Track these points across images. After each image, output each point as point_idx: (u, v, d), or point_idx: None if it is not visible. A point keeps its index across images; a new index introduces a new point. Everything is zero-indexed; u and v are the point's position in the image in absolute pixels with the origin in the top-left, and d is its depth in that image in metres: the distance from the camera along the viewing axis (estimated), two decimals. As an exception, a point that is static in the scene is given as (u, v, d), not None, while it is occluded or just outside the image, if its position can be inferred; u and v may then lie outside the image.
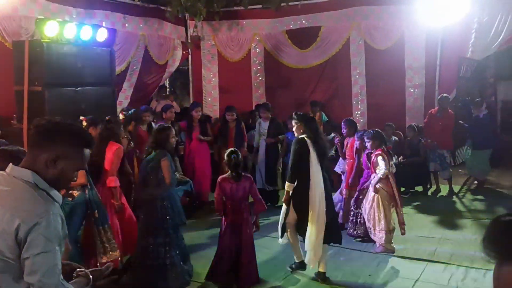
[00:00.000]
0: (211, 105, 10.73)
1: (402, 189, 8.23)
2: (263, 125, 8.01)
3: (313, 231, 4.81)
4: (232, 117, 7.86)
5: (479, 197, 8.02)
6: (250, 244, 4.81)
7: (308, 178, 4.84)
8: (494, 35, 8.66)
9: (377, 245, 5.72)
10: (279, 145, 8.03)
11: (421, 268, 5.15)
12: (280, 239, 5.13)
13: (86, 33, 6.80)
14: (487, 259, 1.47)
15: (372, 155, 5.84)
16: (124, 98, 9.10)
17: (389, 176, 5.70)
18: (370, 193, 5.79)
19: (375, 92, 9.83)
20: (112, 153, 5.08)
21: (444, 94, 8.32)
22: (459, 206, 7.63)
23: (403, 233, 5.71)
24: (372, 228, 5.76)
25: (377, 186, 5.66)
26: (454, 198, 7.97)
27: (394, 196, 5.70)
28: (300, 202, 4.88)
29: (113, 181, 5.06)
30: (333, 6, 9.87)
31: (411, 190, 8.36)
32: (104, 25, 7.80)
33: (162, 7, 9.49)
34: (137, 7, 9.11)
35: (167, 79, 11.92)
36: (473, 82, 9.91)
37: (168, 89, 12.43)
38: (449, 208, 7.45)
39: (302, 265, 5.09)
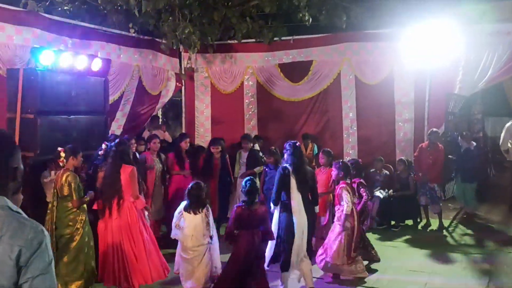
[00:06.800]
0: (203, 136, 10.76)
1: (393, 222, 8.25)
2: (243, 156, 8.17)
3: (295, 258, 4.98)
4: (217, 150, 7.84)
5: (469, 231, 8.03)
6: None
7: (290, 205, 5.02)
8: (481, 72, 8.88)
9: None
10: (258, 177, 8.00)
11: (412, 302, 5.11)
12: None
13: (81, 63, 6.88)
14: None
15: (337, 187, 5.87)
16: (116, 128, 9.11)
17: (353, 208, 5.75)
18: (336, 229, 5.77)
19: (365, 126, 9.95)
20: (128, 176, 5.16)
21: (434, 129, 8.45)
22: (449, 240, 7.62)
23: (350, 263, 5.69)
24: (333, 263, 5.71)
25: (346, 223, 5.67)
26: (444, 232, 7.97)
27: (354, 228, 5.71)
28: (285, 230, 5.02)
29: (141, 203, 5.27)
30: (324, 42, 10.11)
31: (401, 224, 8.36)
32: (99, 55, 7.89)
33: (157, 39, 9.65)
34: (132, 38, 9.26)
35: (160, 110, 11.99)
36: (461, 118, 10.09)
37: (160, 120, 12.49)
38: (439, 242, 7.44)
39: None
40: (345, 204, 5.63)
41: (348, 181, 5.82)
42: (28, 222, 1.89)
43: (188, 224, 4.92)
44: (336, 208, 5.86)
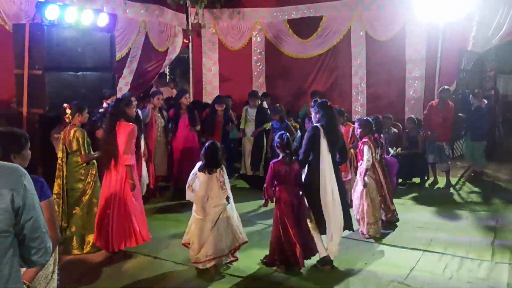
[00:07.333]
0: (211, 93, 10.72)
1: (400, 180, 8.27)
2: (250, 112, 8.23)
3: (332, 220, 4.80)
4: (221, 108, 8.05)
5: (476, 189, 8.05)
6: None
7: (318, 166, 4.82)
8: (495, 28, 8.66)
9: (364, 234, 5.82)
10: (264, 133, 8.19)
11: (417, 257, 5.16)
12: None
13: (87, 18, 6.78)
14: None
15: (359, 143, 5.96)
16: (124, 85, 9.08)
17: (375, 164, 5.83)
18: (359, 185, 5.86)
19: (375, 83, 9.85)
20: (127, 134, 4.99)
21: (446, 87, 8.32)
22: (456, 197, 7.66)
23: (389, 219, 5.85)
24: (361, 220, 5.84)
25: (366, 178, 5.75)
26: (451, 190, 8.00)
27: (381, 183, 5.81)
28: (311, 190, 4.86)
29: (128, 159, 4.99)
30: (335, -4, 9.86)
31: (408, 181, 8.39)
32: (105, 10, 7.76)
33: (163, -7, 9.45)
34: (138, -8, 9.08)
35: (167, 67, 11.90)
36: (473, 75, 9.90)
37: (168, 77, 12.41)
38: (446, 200, 7.47)
39: (326, 260, 4.92)
40: (366, 159, 5.70)
41: (371, 137, 5.88)
42: (2, 164, 1.95)
43: (203, 185, 4.75)
44: (359, 164, 5.95)
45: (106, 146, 5.10)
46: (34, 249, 1.92)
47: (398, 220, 6.23)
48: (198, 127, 7.67)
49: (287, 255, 4.77)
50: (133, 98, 6.69)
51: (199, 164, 4.87)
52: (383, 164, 6.22)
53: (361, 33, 9.82)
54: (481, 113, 8.41)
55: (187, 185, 4.85)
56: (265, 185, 4.89)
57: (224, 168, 4.88)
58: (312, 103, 5.11)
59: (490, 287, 4.45)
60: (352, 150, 6.89)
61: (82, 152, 5.11)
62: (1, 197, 1.82)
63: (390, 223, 6.12)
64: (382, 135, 6.68)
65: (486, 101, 8.57)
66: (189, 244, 4.86)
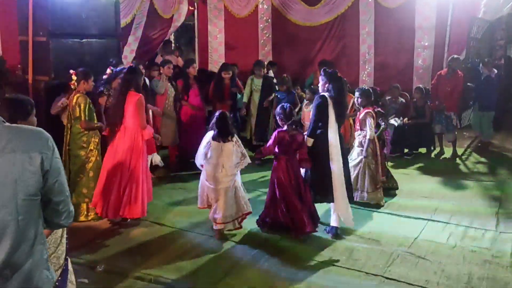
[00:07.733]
0: (217, 62, 10.60)
1: (406, 150, 8.26)
2: (256, 82, 8.13)
3: (340, 190, 4.85)
4: (228, 76, 7.88)
5: (482, 159, 8.02)
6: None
7: (326, 136, 4.84)
8: (507, -5, 8.46)
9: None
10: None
11: (421, 226, 5.20)
12: None
13: (90, -17, 6.66)
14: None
15: (360, 112, 5.85)
16: (129, 52, 9.00)
17: (374, 136, 5.81)
18: (353, 154, 5.86)
19: (383, 52, 9.69)
20: (134, 103, 4.93)
21: (455, 56, 8.17)
22: (462, 168, 7.65)
23: (378, 187, 5.82)
24: (360, 190, 5.82)
25: (368, 150, 5.73)
26: (458, 161, 7.98)
27: (377, 154, 5.80)
28: (319, 160, 4.88)
29: (148, 133, 5.09)
30: (343, -39, 9.60)
31: (414, 151, 8.36)
32: (108, -25, 7.60)
33: (168, -42, 9.25)
34: (143, -43, 8.88)
35: (173, 34, 11.75)
36: (484, 44, 9.71)
37: (173, 45, 12.26)
38: (452, 170, 7.46)
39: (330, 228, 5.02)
40: (369, 129, 5.65)
41: (373, 107, 5.83)
42: (29, 128, 1.95)
43: (217, 153, 4.79)
44: (356, 134, 5.89)
45: (113, 112, 5.09)
46: (58, 212, 1.96)
47: (388, 187, 6.23)
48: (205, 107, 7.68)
49: (279, 219, 4.88)
50: (141, 67, 6.68)
51: (210, 133, 4.89)
52: (384, 135, 6.20)
53: (370, 0, 9.61)
54: (490, 83, 8.30)
55: (201, 154, 4.88)
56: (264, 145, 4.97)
57: (238, 139, 4.94)
58: (322, 72, 5.05)
59: (494, 257, 4.49)
60: (350, 120, 6.84)
61: (82, 119, 5.11)
62: (31, 161, 1.82)
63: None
64: (379, 106, 6.54)
65: (496, 71, 8.45)
66: (205, 207, 5.01)
